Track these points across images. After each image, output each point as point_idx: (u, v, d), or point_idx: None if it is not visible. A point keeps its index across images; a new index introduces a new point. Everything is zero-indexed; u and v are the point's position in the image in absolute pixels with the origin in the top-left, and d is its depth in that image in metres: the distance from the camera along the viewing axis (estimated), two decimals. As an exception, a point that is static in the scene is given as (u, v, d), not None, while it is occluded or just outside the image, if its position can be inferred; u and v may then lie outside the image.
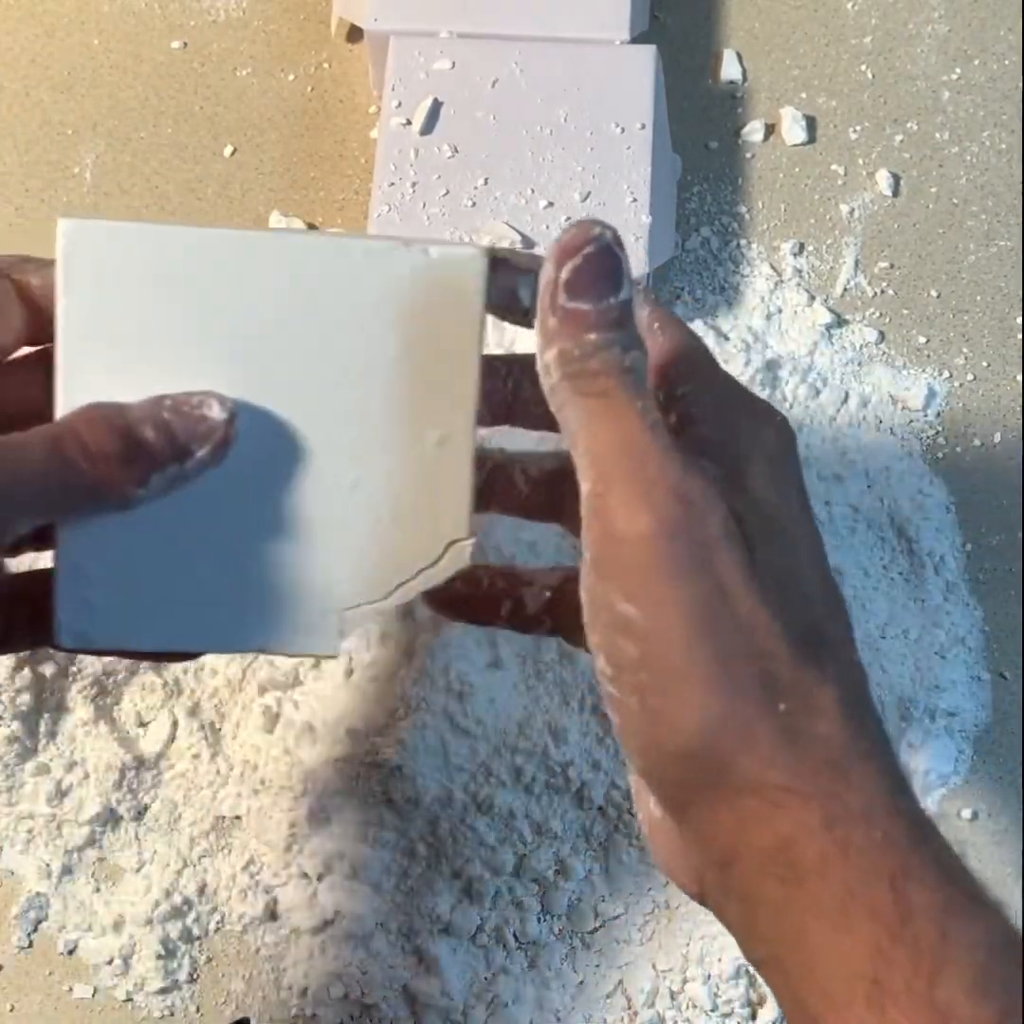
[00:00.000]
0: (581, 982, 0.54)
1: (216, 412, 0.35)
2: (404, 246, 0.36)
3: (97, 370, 0.36)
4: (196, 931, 0.55)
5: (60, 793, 0.54)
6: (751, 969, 0.53)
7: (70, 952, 0.55)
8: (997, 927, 0.29)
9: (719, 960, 0.53)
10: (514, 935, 0.54)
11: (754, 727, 0.31)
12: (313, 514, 0.37)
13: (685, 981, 0.54)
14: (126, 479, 0.34)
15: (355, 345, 0.36)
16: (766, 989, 0.53)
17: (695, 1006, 0.53)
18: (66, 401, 0.36)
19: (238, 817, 0.55)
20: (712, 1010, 0.53)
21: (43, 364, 0.37)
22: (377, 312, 0.36)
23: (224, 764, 0.55)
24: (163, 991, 0.54)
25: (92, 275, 0.36)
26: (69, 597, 0.36)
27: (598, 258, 0.32)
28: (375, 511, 0.37)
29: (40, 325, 0.37)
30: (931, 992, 0.28)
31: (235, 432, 0.35)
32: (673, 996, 0.54)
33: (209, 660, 0.55)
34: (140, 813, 0.55)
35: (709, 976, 0.53)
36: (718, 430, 0.34)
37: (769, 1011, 0.53)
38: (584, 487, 0.32)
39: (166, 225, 0.37)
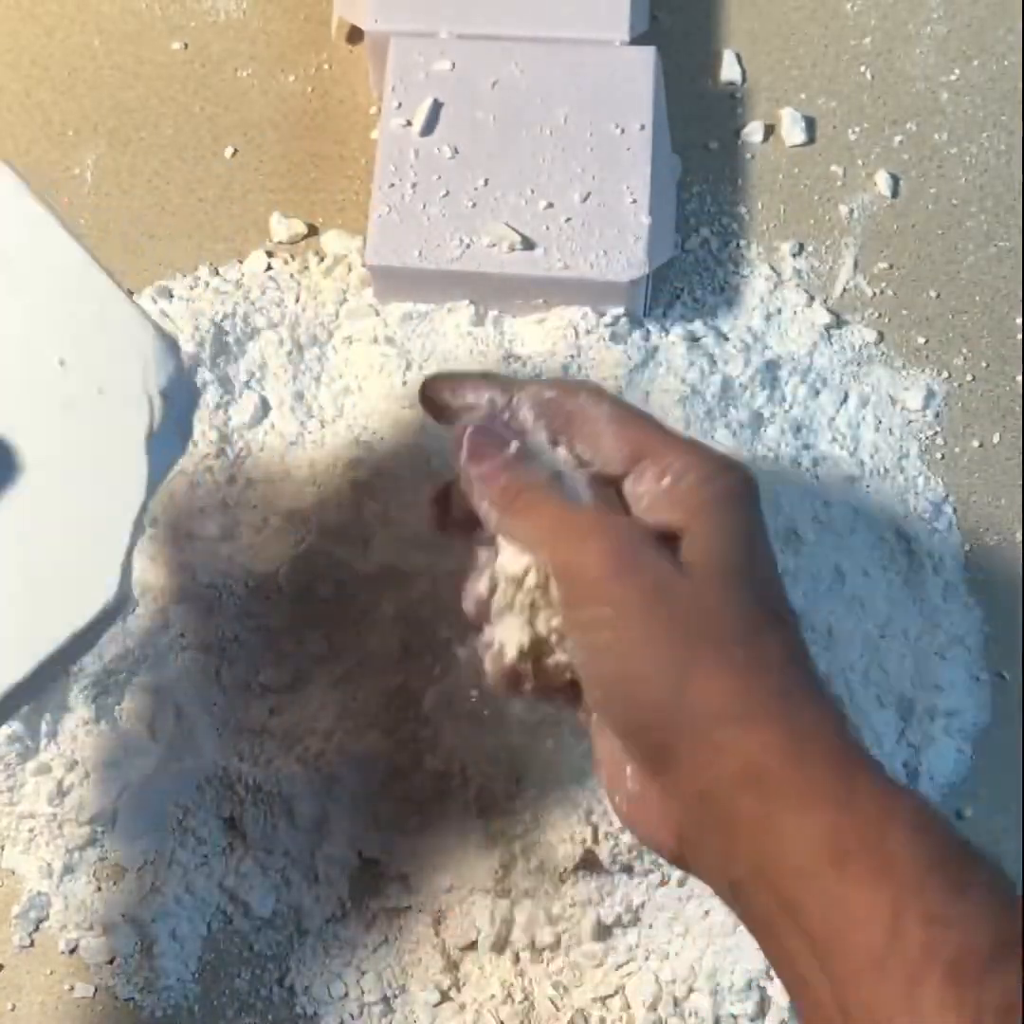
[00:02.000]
0: (581, 985, 0.54)
1: None
2: None
3: None
4: (196, 930, 0.55)
5: (61, 792, 0.54)
6: (762, 983, 0.53)
7: (71, 951, 0.55)
8: (923, 801, 0.36)
9: (731, 973, 0.53)
10: (514, 935, 0.54)
11: (716, 668, 0.37)
12: None
13: (691, 991, 0.54)
14: None
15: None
16: (769, 1001, 0.53)
17: (697, 1015, 0.53)
18: None
19: (234, 817, 0.55)
20: (715, 1022, 0.53)
21: None
22: None
23: (219, 763, 0.55)
24: (163, 991, 0.54)
25: None
26: None
27: (476, 435, 0.42)
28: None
29: None
30: (880, 844, 0.34)
31: None
32: (676, 1003, 0.54)
33: (209, 660, 0.56)
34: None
35: (717, 988, 0.53)
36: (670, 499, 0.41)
37: (772, 1020, 0.54)
38: (546, 564, 0.40)
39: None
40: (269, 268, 0.62)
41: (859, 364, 0.61)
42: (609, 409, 0.43)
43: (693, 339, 0.59)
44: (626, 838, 0.52)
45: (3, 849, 0.56)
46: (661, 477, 0.41)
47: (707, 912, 0.53)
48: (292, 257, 0.62)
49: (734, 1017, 0.53)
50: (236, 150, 0.65)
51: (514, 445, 0.42)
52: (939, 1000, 0.31)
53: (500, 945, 0.54)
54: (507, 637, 0.41)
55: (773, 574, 0.41)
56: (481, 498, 0.42)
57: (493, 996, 0.54)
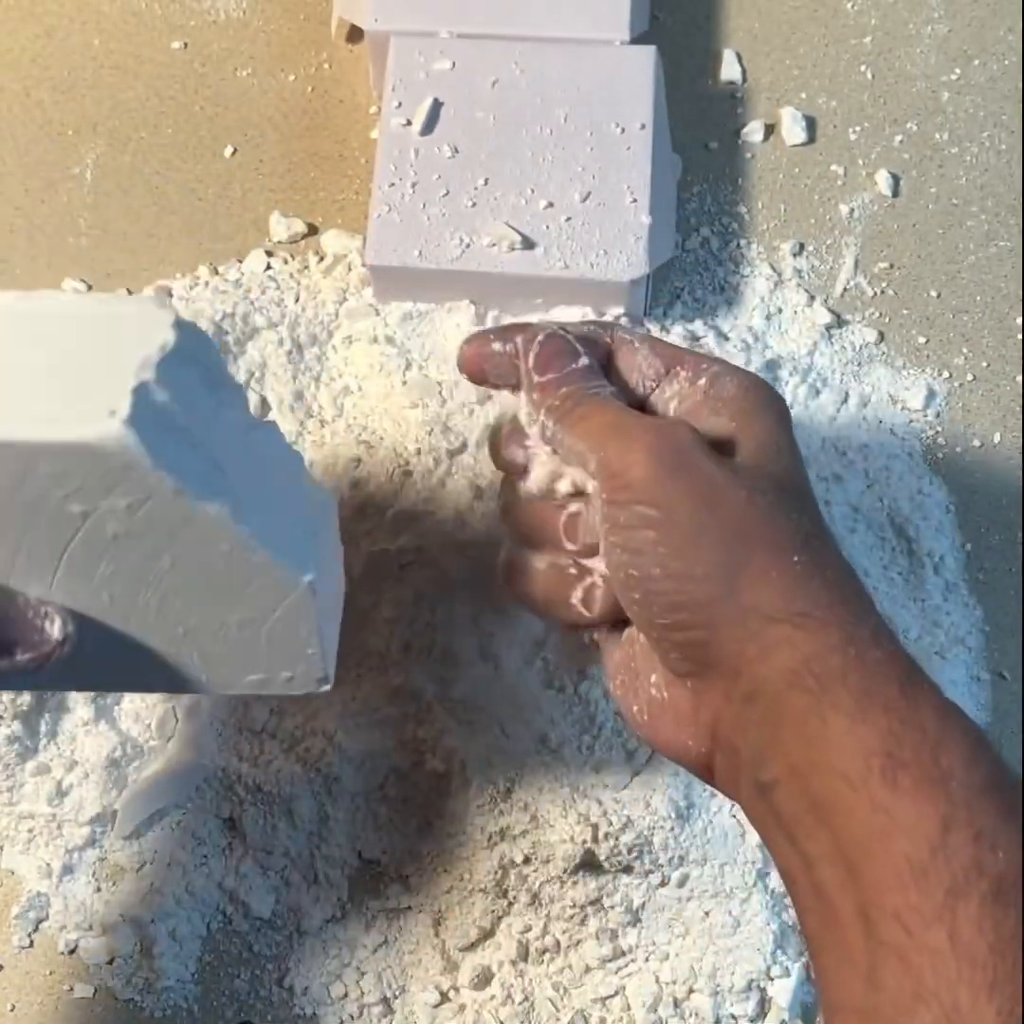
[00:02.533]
0: (581, 985, 0.54)
1: (56, 631, 0.37)
2: None
3: None
4: (196, 931, 0.55)
5: (60, 793, 0.54)
6: (762, 984, 0.53)
7: (71, 952, 0.55)
8: (980, 730, 0.36)
9: (732, 973, 0.53)
10: (515, 935, 0.54)
11: (771, 570, 0.37)
12: None
13: (691, 991, 0.54)
14: None
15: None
16: (770, 1001, 0.53)
17: (697, 1016, 0.53)
18: None
19: (233, 818, 0.55)
20: (715, 1022, 0.53)
21: None
22: None
23: (219, 764, 0.55)
24: (163, 991, 0.54)
25: None
26: None
27: (549, 342, 0.43)
28: None
29: None
30: (936, 759, 0.34)
31: (67, 653, 0.37)
32: (677, 1003, 0.54)
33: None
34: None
35: (718, 989, 0.53)
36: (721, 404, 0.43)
37: (772, 1021, 0.54)
38: (590, 468, 0.41)
39: None
40: (269, 268, 0.62)
41: (860, 364, 0.61)
42: (643, 333, 0.45)
43: (693, 339, 0.59)
44: (626, 838, 0.52)
45: (2, 849, 0.56)
46: (697, 379, 0.42)
47: (707, 913, 0.53)
48: (292, 257, 0.62)
49: (734, 1018, 0.53)
50: (236, 149, 0.65)
51: (582, 359, 0.43)
52: (977, 916, 0.31)
53: (500, 946, 0.54)
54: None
55: (814, 497, 0.41)
56: (540, 406, 0.43)
57: (493, 997, 0.54)
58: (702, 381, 0.42)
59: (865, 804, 0.34)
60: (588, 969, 0.54)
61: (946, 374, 0.61)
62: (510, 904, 0.54)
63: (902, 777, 0.34)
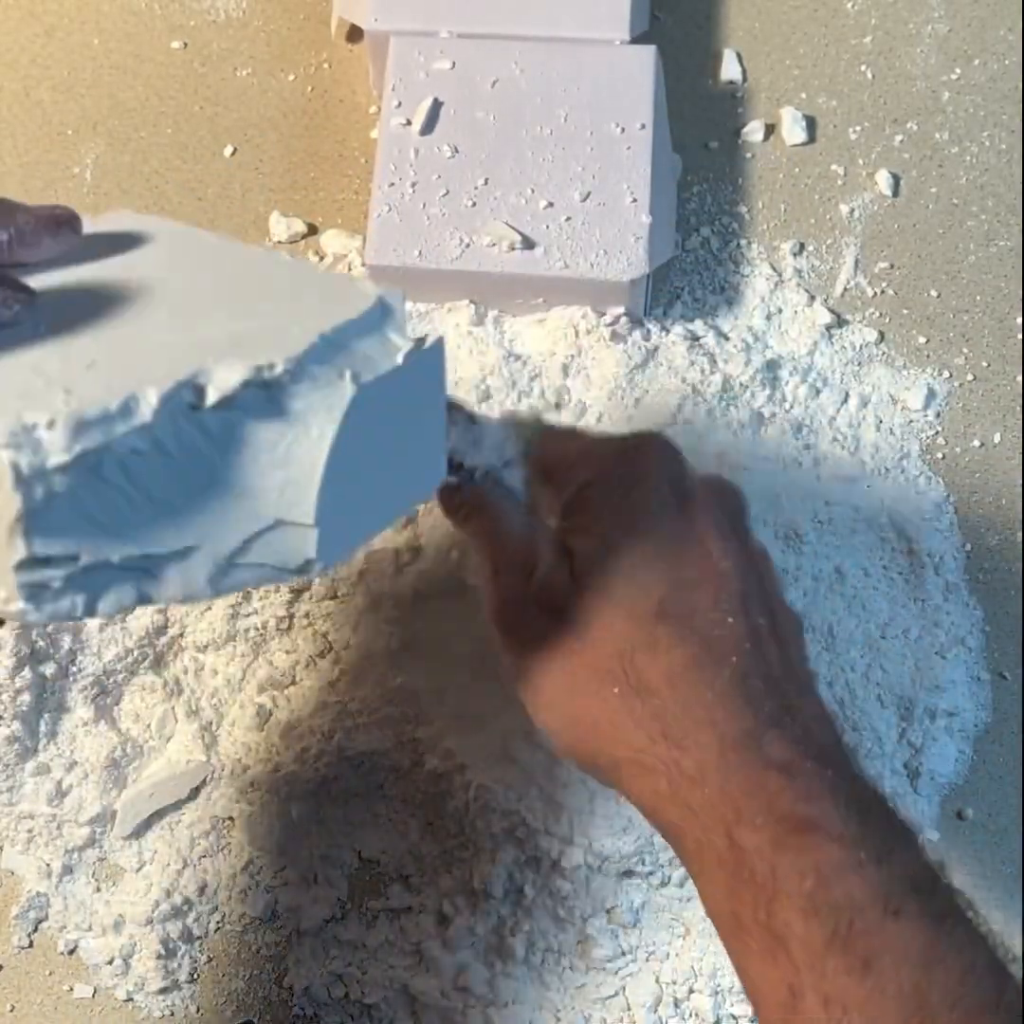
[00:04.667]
0: (582, 985, 0.54)
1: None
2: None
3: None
4: (196, 931, 0.55)
5: (60, 793, 0.54)
6: None
7: (70, 952, 0.55)
8: (827, 854, 0.32)
9: (732, 974, 0.53)
10: (515, 935, 0.54)
11: (598, 716, 0.36)
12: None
13: (691, 991, 0.53)
14: None
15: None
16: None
17: (697, 1016, 0.53)
18: None
19: (232, 818, 0.55)
20: (715, 1023, 0.53)
21: None
22: None
23: (218, 764, 0.55)
24: (163, 991, 0.54)
25: None
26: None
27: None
28: None
29: None
30: (770, 921, 0.31)
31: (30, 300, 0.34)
32: (677, 1004, 0.54)
33: (209, 660, 0.55)
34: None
35: (718, 990, 0.53)
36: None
37: None
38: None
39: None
40: (269, 268, 0.62)
41: (860, 364, 0.61)
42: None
43: (693, 339, 0.59)
44: (627, 839, 0.52)
45: (2, 850, 0.55)
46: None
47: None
48: (292, 257, 0.62)
49: (735, 1018, 0.53)
50: (236, 149, 0.65)
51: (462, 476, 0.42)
52: None
53: (501, 946, 0.54)
54: None
55: (656, 567, 0.38)
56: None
57: (494, 997, 0.54)
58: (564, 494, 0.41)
59: (732, 959, 0.33)
60: (588, 969, 0.54)
61: (946, 374, 0.61)
62: (511, 905, 0.54)
63: (747, 939, 0.32)
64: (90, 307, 0.36)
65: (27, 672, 0.54)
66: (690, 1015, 0.53)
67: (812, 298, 0.62)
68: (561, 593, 0.38)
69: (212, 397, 0.32)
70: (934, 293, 0.63)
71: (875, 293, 0.62)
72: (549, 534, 0.41)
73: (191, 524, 0.33)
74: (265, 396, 0.33)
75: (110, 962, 0.54)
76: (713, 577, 0.37)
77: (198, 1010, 0.55)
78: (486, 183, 0.57)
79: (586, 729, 0.37)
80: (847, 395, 0.60)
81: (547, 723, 0.39)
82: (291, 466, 0.34)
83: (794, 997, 0.31)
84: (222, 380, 0.32)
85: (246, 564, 0.34)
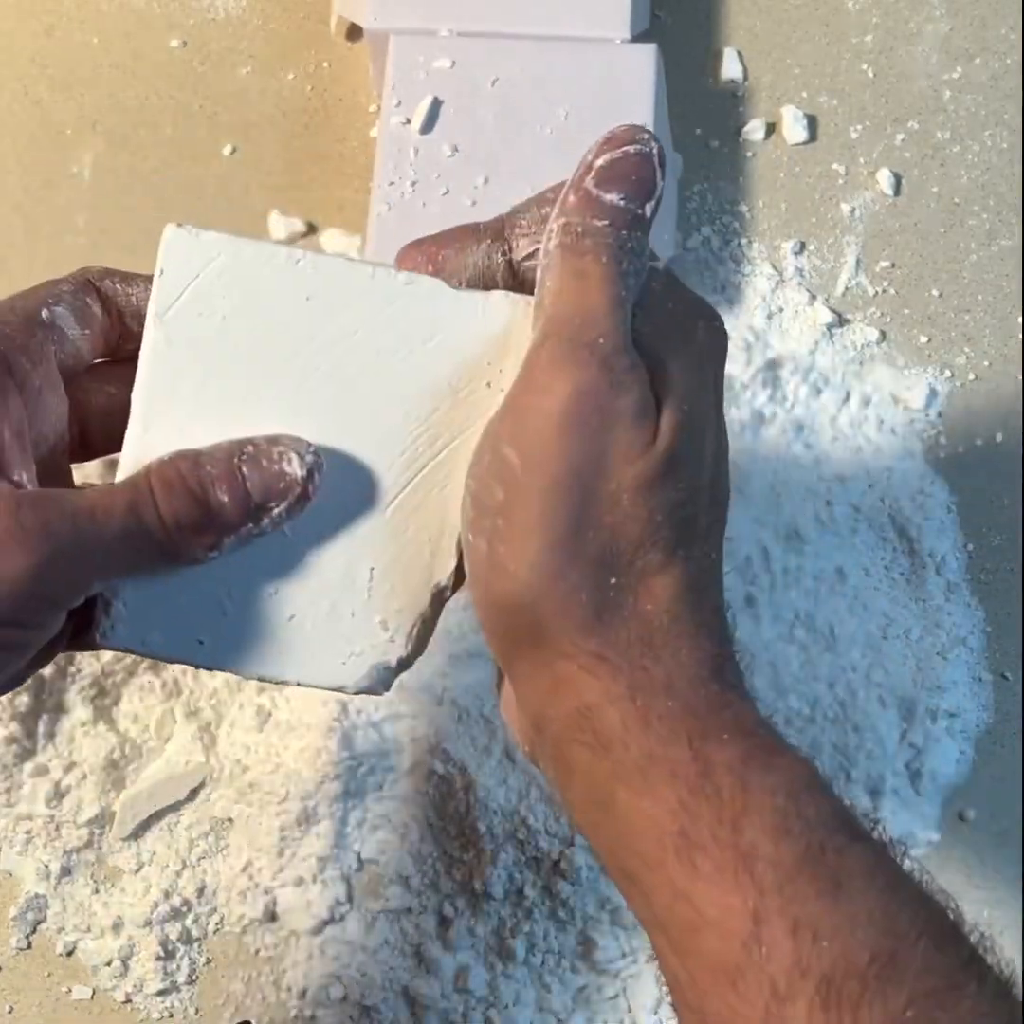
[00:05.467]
0: (583, 986, 0.54)
1: (296, 467, 0.34)
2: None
3: (177, 389, 0.36)
4: (195, 932, 0.55)
5: (59, 794, 0.54)
6: None
7: (69, 953, 0.55)
8: (798, 772, 0.30)
9: None
10: (515, 936, 0.54)
11: (579, 593, 0.32)
12: (350, 552, 0.37)
13: None
14: (200, 545, 0.34)
15: (407, 375, 0.36)
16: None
17: None
18: (141, 423, 0.36)
19: (231, 819, 0.55)
20: None
21: (124, 378, 0.37)
22: (439, 354, 0.36)
23: (217, 765, 0.55)
24: (162, 992, 0.54)
25: (185, 285, 0.36)
26: (121, 603, 0.36)
27: (634, 159, 0.33)
28: (392, 553, 0.37)
29: (122, 337, 0.37)
30: (735, 838, 0.28)
31: (315, 488, 0.34)
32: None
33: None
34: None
35: None
36: (653, 325, 0.34)
37: None
38: (531, 344, 0.33)
39: (268, 243, 0.37)
40: (268, 267, 0.62)
41: (861, 363, 0.61)
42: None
43: (694, 338, 0.59)
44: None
45: (0, 850, 0.55)
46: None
47: (708, 914, 0.53)
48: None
49: (735, 1019, 0.53)
50: (235, 148, 0.65)
51: (650, 207, 0.34)
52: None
53: (501, 947, 0.54)
54: None
55: (725, 447, 0.35)
56: (563, 215, 0.34)
57: (495, 998, 0.54)
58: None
59: (667, 890, 0.29)
60: (589, 971, 0.54)
61: (948, 373, 0.61)
62: (511, 906, 0.54)
63: (701, 860, 0.29)
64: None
65: (25, 672, 0.54)
66: (691, 1017, 0.53)
67: (813, 297, 0.62)
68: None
69: None
70: (936, 292, 0.62)
71: (876, 292, 0.62)
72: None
73: None
74: None
75: (109, 963, 0.54)
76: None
77: (197, 1011, 0.54)
78: (486, 182, 0.57)
79: (546, 591, 0.32)
80: (848, 394, 0.60)
81: (504, 557, 0.33)
82: None
83: (757, 924, 0.28)
84: None
85: None
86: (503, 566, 0.33)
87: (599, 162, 0.34)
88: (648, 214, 0.33)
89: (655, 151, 0.33)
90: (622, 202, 0.33)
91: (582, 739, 0.31)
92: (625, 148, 0.33)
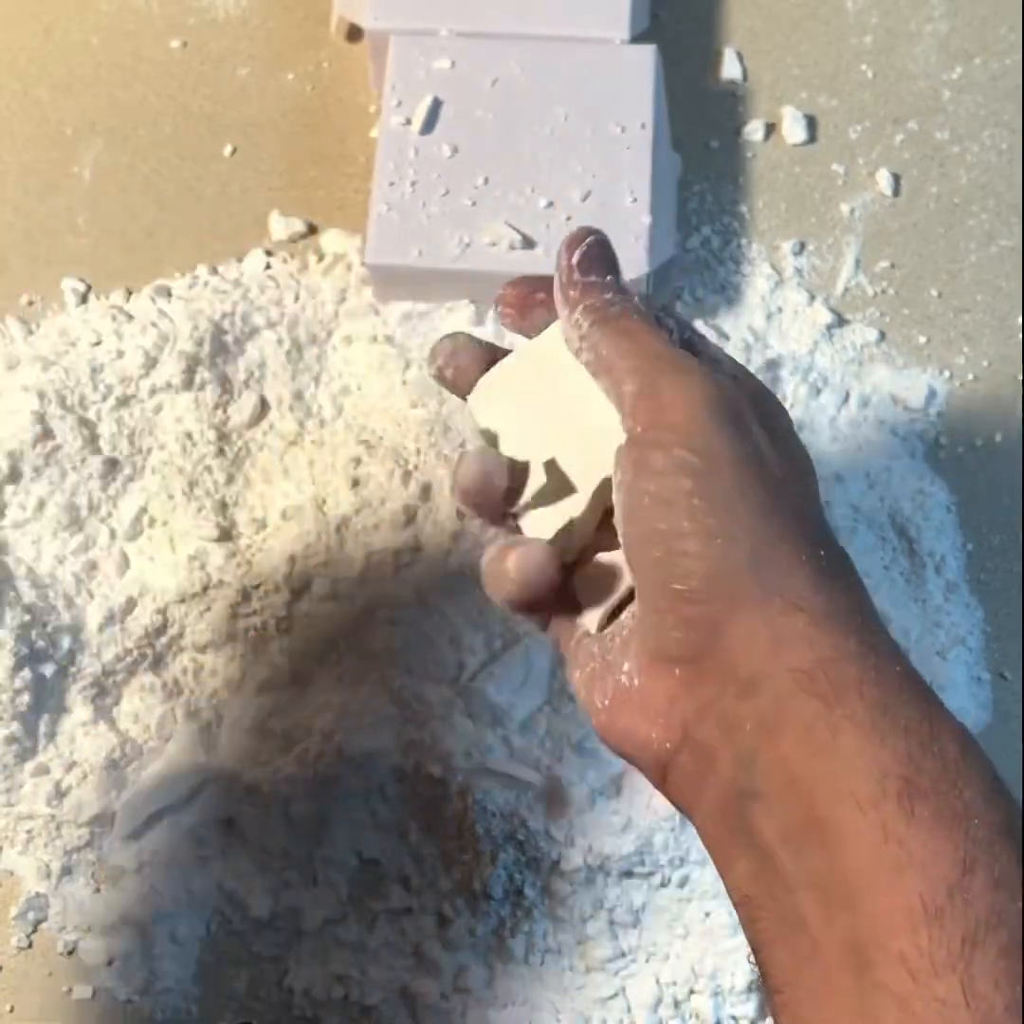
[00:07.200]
0: (582, 986, 0.54)
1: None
2: None
3: None
4: (196, 932, 0.55)
5: (59, 794, 0.54)
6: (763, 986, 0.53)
7: (70, 953, 0.55)
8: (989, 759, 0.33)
9: (732, 975, 0.53)
10: (515, 936, 0.54)
11: (800, 555, 0.35)
12: None
13: (691, 992, 0.53)
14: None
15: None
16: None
17: (698, 1017, 0.53)
18: None
19: (231, 819, 0.55)
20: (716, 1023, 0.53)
21: None
22: None
23: (217, 765, 0.55)
24: (163, 992, 0.54)
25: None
26: None
27: (598, 246, 0.40)
28: None
29: None
30: (956, 794, 0.31)
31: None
32: (677, 1004, 0.54)
33: (209, 660, 0.55)
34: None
35: (718, 991, 0.53)
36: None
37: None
38: (627, 390, 0.37)
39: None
40: (268, 267, 0.62)
41: (860, 363, 0.61)
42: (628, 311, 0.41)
43: (694, 338, 0.59)
44: (627, 839, 0.52)
45: (1, 850, 0.55)
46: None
47: (707, 914, 0.53)
48: (291, 256, 0.62)
49: (735, 1019, 0.53)
50: (235, 148, 0.65)
51: (617, 277, 0.40)
52: (993, 970, 0.29)
53: (501, 948, 0.54)
54: (541, 520, 0.39)
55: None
56: (579, 302, 0.39)
57: (495, 998, 0.54)
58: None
59: (876, 831, 0.31)
60: (589, 970, 0.54)
61: (947, 373, 0.61)
62: (511, 906, 0.54)
63: (920, 807, 0.31)
64: None
65: (26, 672, 0.54)
66: (690, 1016, 0.53)
67: (813, 297, 0.62)
68: None
69: None
70: (935, 292, 0.62)
71: (876, 292, 0.62)
72: None
73: None
74: None
75: (110, 963, 0.54)
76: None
77: (198, 1011, 0.55)
78: (486, 183, 0.57)
79: (771, 551, 0.35)
80: (848, 394, 0.60)
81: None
82: None
83: (965, 873, 0.30)
84: None
85: None
86: (718, 535, 0.35)
87: (575, 259, 0.39)
88: (622, 279, 0.40)
89: (604, 237, 0.40)
90: (605, 279, 0.39)
91: (814, 689, 0.33)
92: (586, 241, 0.40)
